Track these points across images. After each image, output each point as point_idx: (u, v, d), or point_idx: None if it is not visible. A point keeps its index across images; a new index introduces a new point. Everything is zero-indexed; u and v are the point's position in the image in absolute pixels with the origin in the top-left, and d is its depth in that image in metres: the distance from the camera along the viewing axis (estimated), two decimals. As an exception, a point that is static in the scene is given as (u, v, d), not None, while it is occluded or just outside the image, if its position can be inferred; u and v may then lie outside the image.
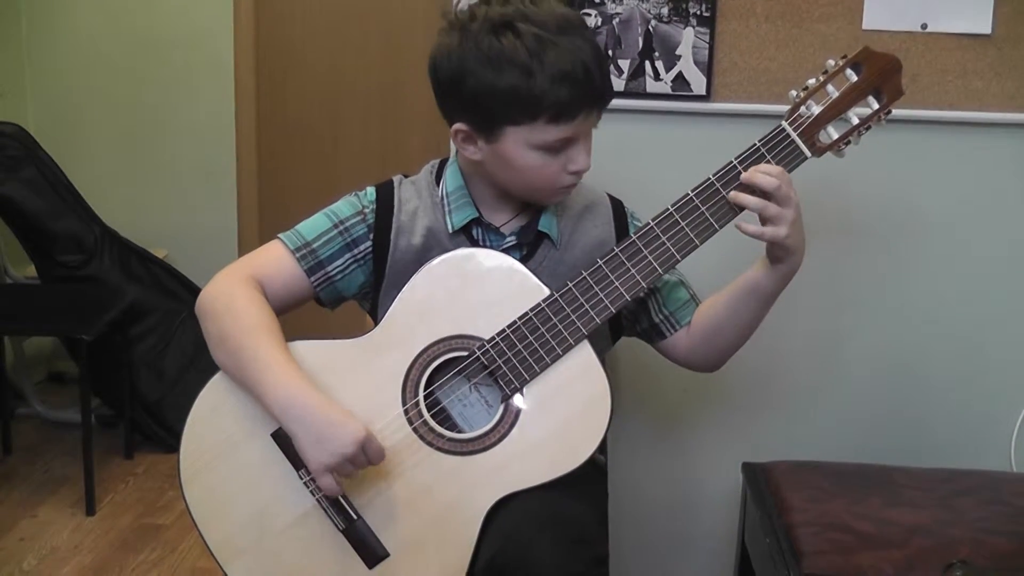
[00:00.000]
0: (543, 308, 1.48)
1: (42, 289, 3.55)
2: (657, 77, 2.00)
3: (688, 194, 1.50)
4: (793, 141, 1.50)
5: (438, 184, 1.62)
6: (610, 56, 1.98)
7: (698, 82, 2.00)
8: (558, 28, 1.45)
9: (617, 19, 1.99)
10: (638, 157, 2.03)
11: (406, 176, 1.66)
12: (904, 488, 1.87)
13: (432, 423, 1.49)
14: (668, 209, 1.50)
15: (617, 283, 1.49)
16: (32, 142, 3.54)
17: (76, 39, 3.87)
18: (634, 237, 1.50)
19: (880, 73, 1.52)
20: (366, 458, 1.43)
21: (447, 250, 1.54)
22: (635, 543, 2.21)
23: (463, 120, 1.51)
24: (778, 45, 1.99)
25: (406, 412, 1.49)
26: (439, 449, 1.48)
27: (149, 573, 2.71)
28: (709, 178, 1.50)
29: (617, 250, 1.50)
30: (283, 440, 1.48)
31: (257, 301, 1.53)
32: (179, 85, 3.86)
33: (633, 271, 1.49)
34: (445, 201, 1.60)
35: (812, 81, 1.52)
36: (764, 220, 1.48)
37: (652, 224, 1.50)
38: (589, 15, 1.96)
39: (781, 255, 1.51)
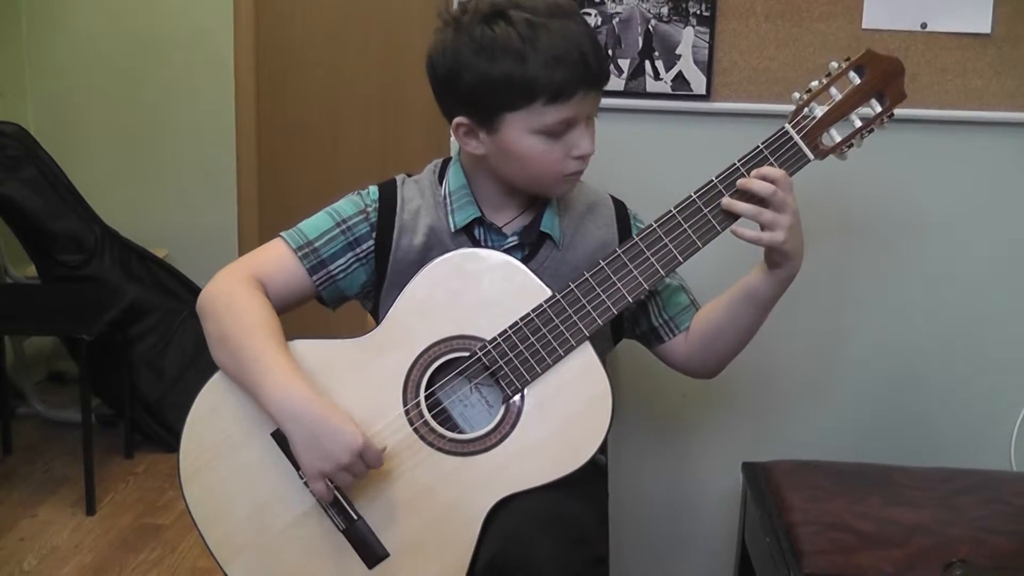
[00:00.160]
0: (545, 309, 1.48)
1: (42, 289, 3.55)
2: (657, 77, 2.00)
3: (691, 196, 1.50)
4: (796, 144, 1.50)
5: (441, 183, 1.62)
6: (610, 55, 1.98)
7: (698, 81, 2.00)
8: (549, 13, 1.47)
9: (617, 19, 1.99)
10: (638, 157, 2.03)
11: (409, 175, 1.66)
12: (904, 487, 1.87)
13: (433, 423, 1.49)
14: (671, 211, 1.50)
15: (619, 284, 1.49)
16: (32, 142, 3.54)
17: (76, 39, 3.87)
18: (636, 239, 1.50)
19: (883, 76, 1.52)
20: (363, 465, 1.43)
21: (449, 249, 1.54)
22: (635, 543, 2.21)
23: (463, 114, 1.52)
24: (778, 44, 1.99)
25: (407, 412, 1.49)
26: (440, 449, 1.48)
27: (149, 573, 2.71)
28: (712, 180, 1.50)
29: (619, 251, 1.50)
30: (283, 440, 1.48)
31: (258, 300, 1.53)
32: (179, 85, 3.86)
33: (635, 272, 1.49)
34: (447, 200, 1.60)
35: (815, 83, 1.52)
36: (761, 226, 1.48)
37: (654, 226, 1.50)
38: (589, 15, 1.96)
39: (779, 260, 1.51)
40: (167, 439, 3.39)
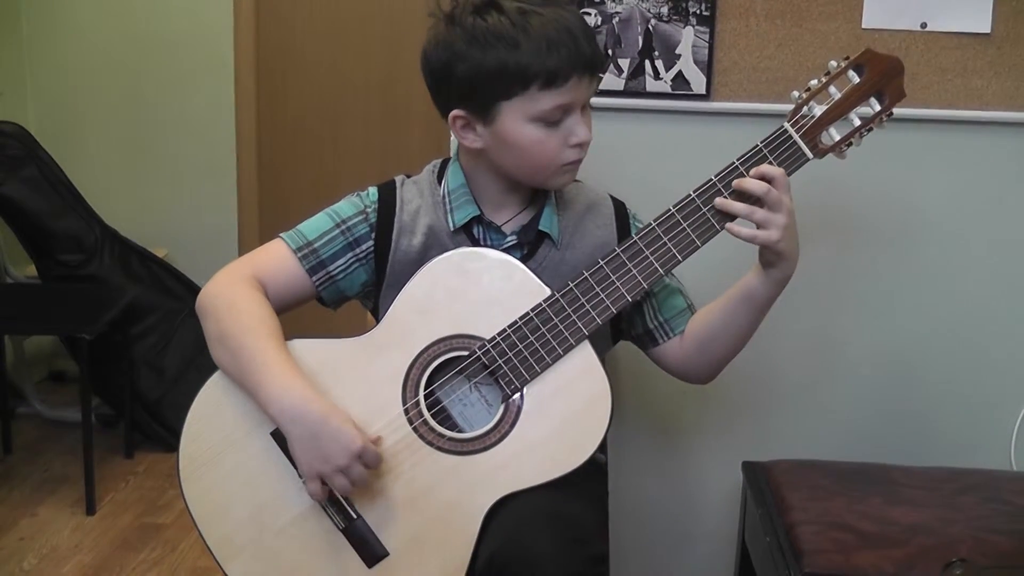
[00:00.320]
0: (544, 308, 1.48)
1: (42, 288, 3.54)
2: (657, 76, 2.00)
3: (690, 195, 1.50)
4: (795, 142, 1.50)
5: (440, 183, 1.62)
6: (610, 55, 1.98)
7: (698, 81, 2.00)
8: (541, 1, 1.48)
9: (617, 18, 1.99)
10: (638, 156, 2.03)
11: (408, 176, 1.66)
12: (904, 487, 1.87)
13: (432, 422, 1.49)
14: (670, 210, 1.50)
15: (618, 283, 1.49)
16: (32, 141, 3.54)
17: (77, 38, 3.87)
18: (635, 238, 1.50)
19: (882, 75, 1.52)
20: (361, 468, 1.43)
21: (448, 249, 1.54)
22: (635, 542, 2.21)
23: (459, 106, 1.52)
24: (778, 44, 1.99)
25: (406, 411, 1.49)
26: (439, 448, 1.48)
27: (149, 572, 2.71)
28: (711, 179, 1.50)
29: (618, 250, 1.50)
30: (282, 439, 1.48)
31: (258, 300, 1.53)
32: (180, 84, 3.85)
33: (634, 271, 1.49)
34: (447, 199, 1.60)
35: (814, 82, 1.52)
36: (755, 225, 1.48)
37: (654, 225, 1.50)
38: (589, 14, 1.96)
39: (773, 260, 1.50)
40: (167, 439, 3.39)
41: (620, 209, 1.67)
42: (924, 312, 2.09)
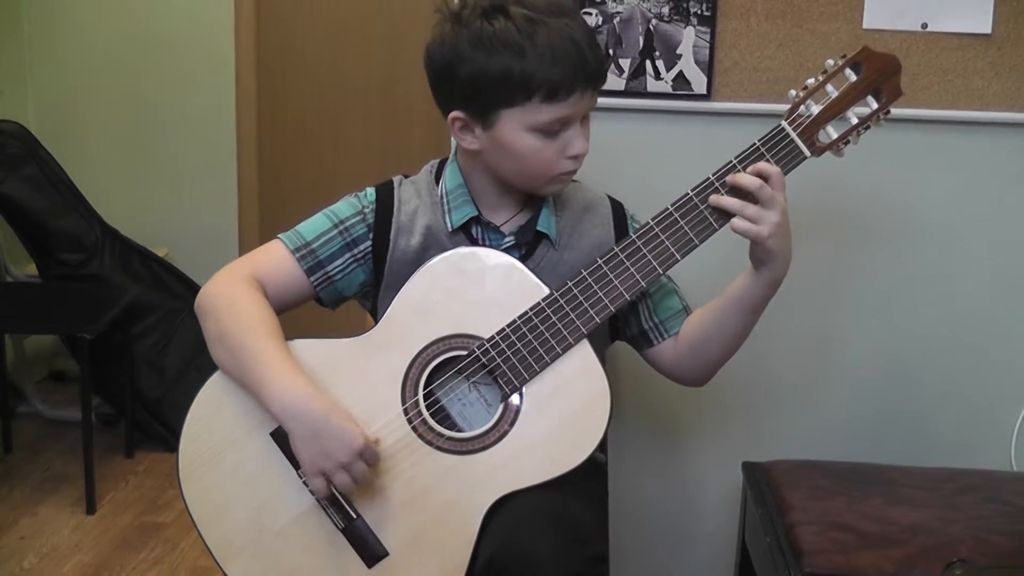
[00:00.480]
0: (543, 307, 1.48)
1: (43, 287, 3.54)
2: (658, 76, 2.00)
3: (688, 193, 1.50)
4: (792, 141, 1.50)
5: (437, 183, 1.62)
6: (611, 55, 1.98)
7: (699, 81, 2.00)
8: (549, 10, 1.47)
9: (618, 18, 1.99)
10: (638, 156, 2.03)
11: (406, 176, 1.66)
12: (904, 487, 1.87)
13: (431, 422, 1.49)
14: (668, 208, 1.50)
15: (616, 282, 1.49)
16: (33, 140, 3.54)
17: (77, 37, 3.87)
18: (634, 236, 1.50)
19: (879, 73, 1.52)
20: (363, 466, 1.43)
21: (446, 249, 1.54)
22: (635, 542, 2.21)
23: (459, 108, 1.52)
24: (779, 44, 1.99)
25: (405, 411, 1.49)
26: (438, 448, 1.48)
27: (149, 571, 2.71)
28: (708, 177, 1.50)
29: (617, 249, 1.50)
30: (282, 439, 1.48)
31: (257, 300, 1.53)
32: (180, 84, 3.85)
33: (632, 270, 1.49)
34: (444, 200, 1.60)
35: (811, 81, 1.52)
36: (747, 219, 1.48)
37: (652, 223, 1.50)
38: (590, 14, 1.96)
39: (763, 258, 1.50)
40: (167, 438, 3.39)
41: (618, 209, 1.67)
42: (925, 312, 2.09)
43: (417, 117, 3.69)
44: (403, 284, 1.52)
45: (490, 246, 1.58)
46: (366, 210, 1.60)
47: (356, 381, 1.50)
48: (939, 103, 1.99)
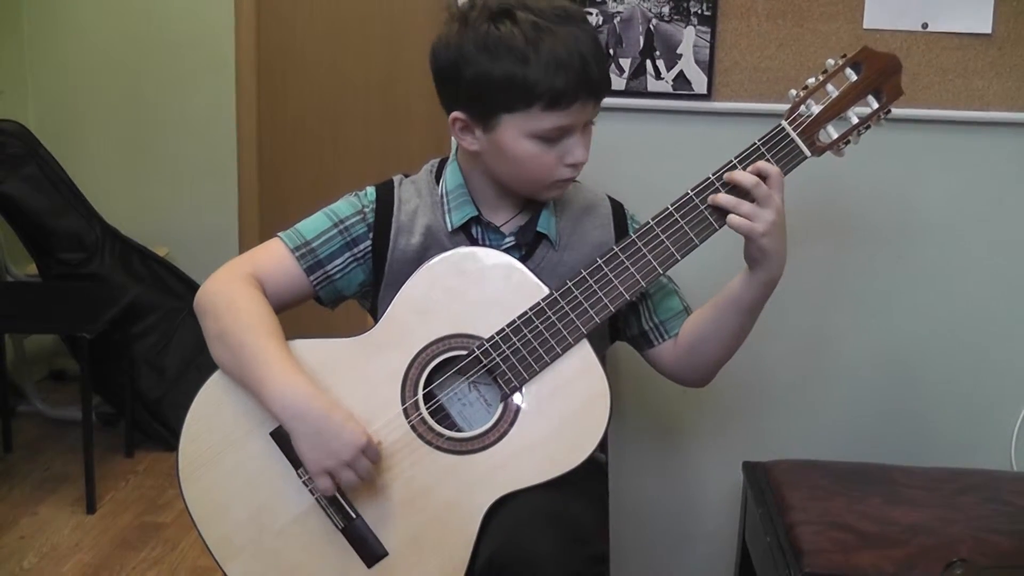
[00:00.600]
0: (542, 307, 1.48)
1: (43, 287, 3.54)
2: (658, 76, 2.00)
3: (688, 193, 1.50)
4: (792, 140, 1.50)
5: (438, 183, 1.62)
6: (611, 55, 1.98)
7: (699, 81, 2.00)
8: (557, 18, 1.46)
9: (618, 18, 1.98)
10: (639, 156, 2.03)
11: (406, 176, 1.66)
12: (905, 487, 1.87)
13: (431, 422, 1.49)
14: (668, 208, 1.50)
15: (616, 282, 1.49)
16: (33, 140, 3.54)
17: (77, 37, 3.87)
18: (634, 236, 1.50)
19: (880, 73, 1.52)
20: (367, 463, 1.43)
21: (446, 249, 1.54)
22: (635, 542, 2.21)
23: (461, 109, 1.52)
24: (779, 44, 1.99)
25: (405, 411, 1.49)
26: (438, 448, 1.48)
27: (149, 571, 2.71)
28: (708, 177, 1.50)
29: (617, 249, 1.50)
30: (282, 439, 1.48)
31: (257, 299, 1.53)
32: (181, 83, 3.85)
33: (632, 270, 1.49)
34: (445, 199, 1.60)
35: (812, 80, 1.52)
36: (742, 216, 1.47)
37: (652, 223, 1.50)
38: (590, 14, 1.96)
39: (758, 256, 1.49)
40: (167, 438, 3.38)
41: (618, 210, 1.67)
42: (925, 312, 2.09)
43: (417, 117, 3.69)
44: (403, 284, 1.52)
45: (490, 246, 1.57)
46: (366, 209, 1.60)
47: (356, 381, 1.50)
48: (939, 103, 1.99)
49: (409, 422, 1.49)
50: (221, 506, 1.51)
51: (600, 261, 1.49)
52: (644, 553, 2.23)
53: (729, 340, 1.59)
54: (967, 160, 2.02)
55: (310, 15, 3.78)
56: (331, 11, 3.76)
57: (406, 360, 1.50)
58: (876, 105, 1.53)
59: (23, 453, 3.37)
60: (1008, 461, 2.11)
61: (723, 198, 1.47)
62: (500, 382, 1.48)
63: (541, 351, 1.48)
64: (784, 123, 1.51)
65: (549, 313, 1.48)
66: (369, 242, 1.59)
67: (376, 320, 1.56)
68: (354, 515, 1.48)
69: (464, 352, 1.49)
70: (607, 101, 1.55)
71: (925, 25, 1.96)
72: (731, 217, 1.47)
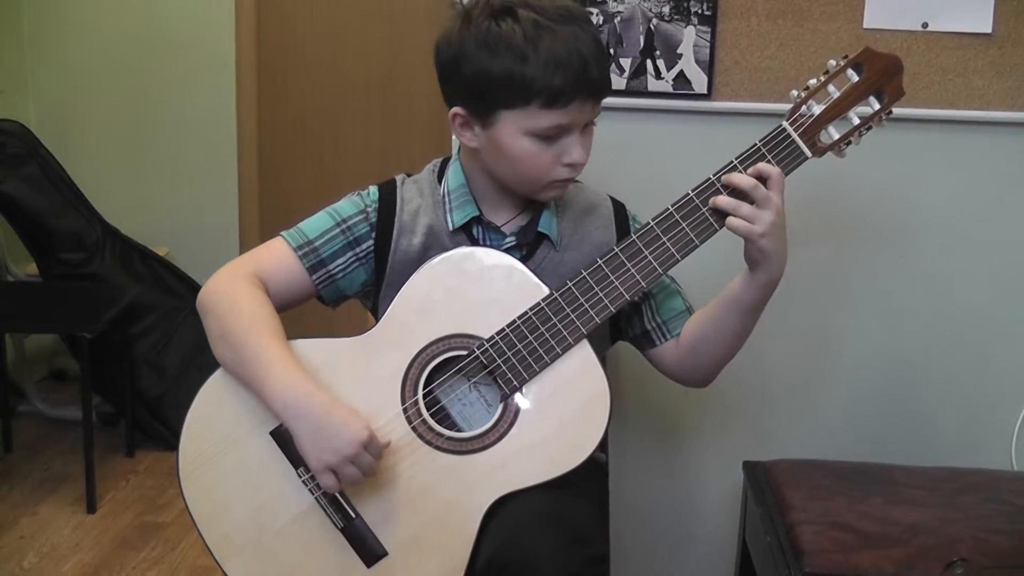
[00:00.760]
0: (543, 307, 1.48)
1: (43, 287, 3.54)
2: (658, 76, 2.00)
3: (688, 194, 1.50)
4: (794, 141, 1.50)
5: (440, 182, 1.62)
6: (611, 55, 1.98)
7: (699, 81, 2.00)
8: (559, 17, 1.47)
9: (618, 18, 1.98)
10: (639, 155, 2.03)
11: (409, 175, 1.66)
12: (905, 487, 1.87)
13: (431, 422, 1.49)
14: (668, 209, 1.50)
15: (617, 282, 1.49)
16: (33, 139, 3.54)
17: (78, 37, 3.87)
18: (634, 237, 1.50)
19: (881, 73, 1.52)
20: (369, 458, 1.43)
21: (447, 248, 1.54)
22: (635, 542, 2.21)
23: (461, 104, 1.52)
24: (779, 44, 1.99)
25: (405, 411, 1.49)
26: (438, 448, 1.48)
27: (150, 571, 2.71)
28: (709, 178, 1.50)
29: (617, 249, 1.50)
30: (282, 438, 1.48)
31: (259, 298, 1.53)
32: (181, 83, 3.85)
33: (633, 271, 1.49)
34: (446, 199, 1.60)
35: (813, 81, 1.52)
36: (741, 218, 1.47)
37: (652, 224, 1.50)
38: (591, 13, 1.96)
39: (757, 258, 1.49)
40: (168, 437, 3.38)
41: (619, 210, 1.67)
42: (925, 312, 2.09)
43: (417, 117, 3.68)
44: (404, 283, 1.52)
45: (491, 246, 1.57)
46: (369, 209, 1.60)
47: (356, 380, 1.50)
48: (939, 103, 1.99)
49: (409, 422, 1.49)
50: (221, 505, 1.51)
51: (600, 261, 1.49)
52: (644, 553, 2.23)
53: (730, 340, 1.59)
54: (967, 160, 2.02)
55: (310, 15, 3.78)
56: (331, 11, 3.76)
57: (406, 360, 1.50)
58: (878, 106, 1.53)
59: (23, 453, 3.37)
60: (1008, 461, 2.11)
61: (722, 200, 1.47)
62: (500, 382, 1.48)
63: (541, 351, 1.48)
64: (785, 124, 1.51)
65: (549, 313, 1.48)
66: (371, 242, 1.59)
67: (377, 320, 1.56)
68: (354, 515, 1.48)
69: (464, 352, 1.49)
70: (607, 101, 1.55)
71: (925, 25, 1.96)
72: (730, 219, 1.47)
